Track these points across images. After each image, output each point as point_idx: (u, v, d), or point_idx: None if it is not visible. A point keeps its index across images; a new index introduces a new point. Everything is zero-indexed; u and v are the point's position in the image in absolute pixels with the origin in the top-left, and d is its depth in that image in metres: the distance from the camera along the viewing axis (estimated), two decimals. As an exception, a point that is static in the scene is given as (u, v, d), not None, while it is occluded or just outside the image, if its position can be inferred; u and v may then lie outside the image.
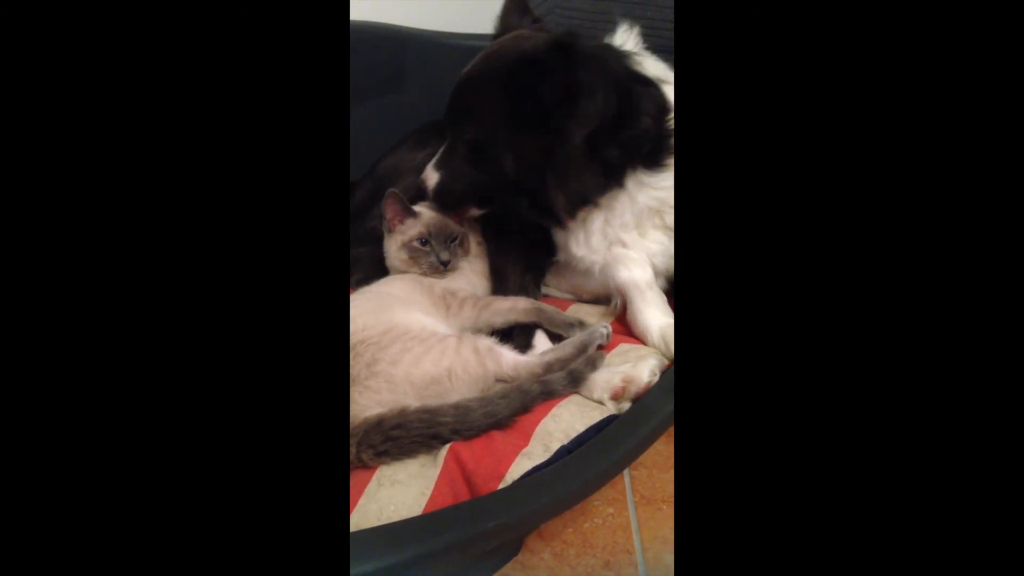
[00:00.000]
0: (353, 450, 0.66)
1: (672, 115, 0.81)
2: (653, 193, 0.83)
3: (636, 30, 0.91)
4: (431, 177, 0.91)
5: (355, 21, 1.12)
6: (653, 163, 0.81)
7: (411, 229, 0.91)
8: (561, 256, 0.93)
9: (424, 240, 0.90)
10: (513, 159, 0.80)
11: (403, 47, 1.18)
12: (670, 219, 0.86)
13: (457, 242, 0.92)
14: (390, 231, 0.93)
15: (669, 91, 0.83)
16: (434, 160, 0.91)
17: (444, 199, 0.91)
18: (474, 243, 0.98)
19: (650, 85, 0.81)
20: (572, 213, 0.82)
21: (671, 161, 0.81)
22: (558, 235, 0.91)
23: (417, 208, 0.93)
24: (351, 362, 0.72)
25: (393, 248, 0.92)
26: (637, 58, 0.85)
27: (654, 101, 0.80)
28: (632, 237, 0.87)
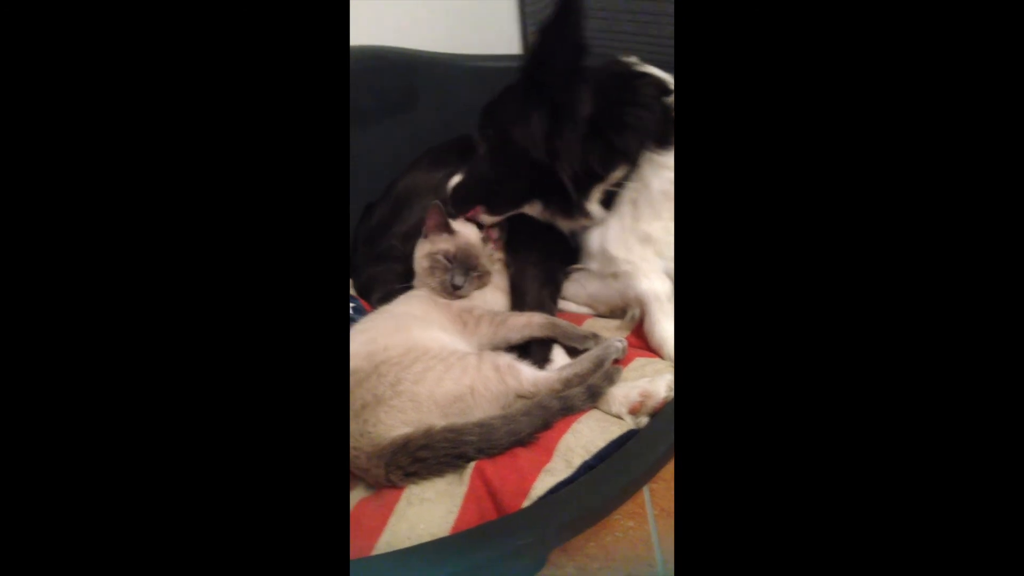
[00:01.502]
0: (382, 471, 0.68)
1: (671, 96, 0.87)
2: (667, 174, 0.86)
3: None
4: (454, 180, 0.96)
5: (369, 46, 1.15)
6: (664, 141, 0.86)
7: (442, 243, 0.94)
8: (594, 266, 0.96)
9: (449, 258, 0.92)
10: (528, 138, 0.85)
11: (416, 70, 1.21)
12: None
13: (476, 274, 0.94)
14: (425, 236, 0.96)
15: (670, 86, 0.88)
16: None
17: (459, 196, 0.95)
18: (496, 258, 1.01)
19: (646, 75, 0.88)
20: (582, 189, 0.86)
21: None
22: (591, 237, 0.94)
23: (457, 227, 0.96)
24: (375, 382, 0.74)
25: (420, 253, 0.96)
26: (637, 65, 0.91)
27: (652, 85, 0.87)
28: (655, 228, 0.89)
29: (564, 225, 0.94)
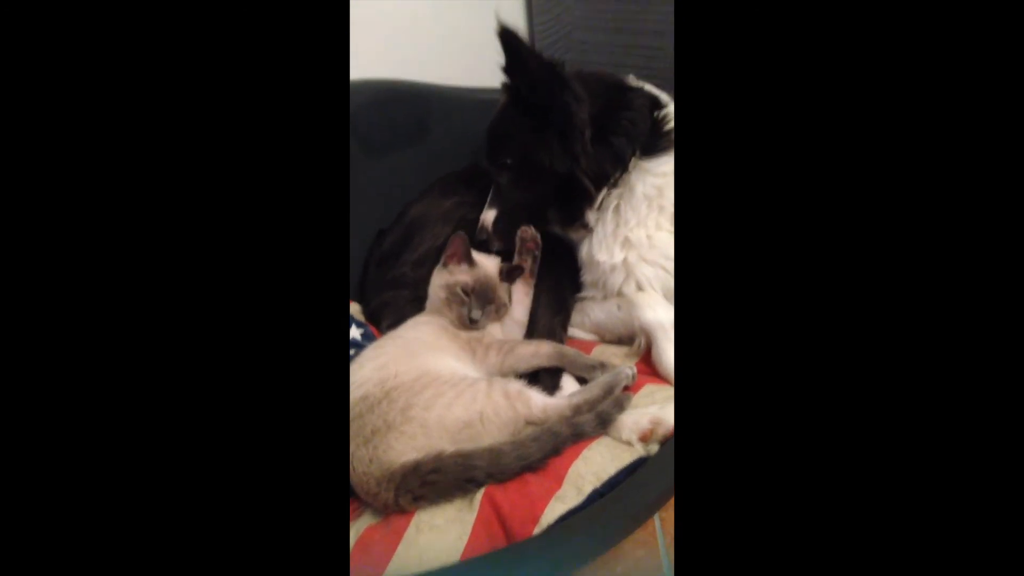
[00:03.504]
0: (391, 495, 0.67)
1: (664, 110, 0.91)
2: (652, 181, 0.90)
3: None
4: (488, 216, 0.97)
5: (382, 80, 1.18)
6: (651, 150, 0.90)
7: (460, 274, 0.93)
8: (587, 278, 0.98)
9: (467, 291, 0.92)
10: (551, 156, 0.89)
11: (426, 102, 1.24)
12: None
13: (493, 308, 0.93)
14: (444, 265, 0.96)
15: (672, 108, 0.92)
16: (487, 203, 0.98)
17: (502, 229, 0.98)
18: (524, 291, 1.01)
19: (640, 89, 0.93)
20: (596, 188, 0.91)
21: (668, 149, 0.90)
22: (582, 247, 0.96)
23: (477, 258, 0.95)
24: (386, 408, 0.75)
25: (438, 282, 0.95)
26: (632, 80, 0.96)
27: (644, 97, 0.93)
28: (637, 233, 0.91)
29: (570, 234, 0.98)
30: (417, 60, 1.29)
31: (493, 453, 0.69)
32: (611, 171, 0.90)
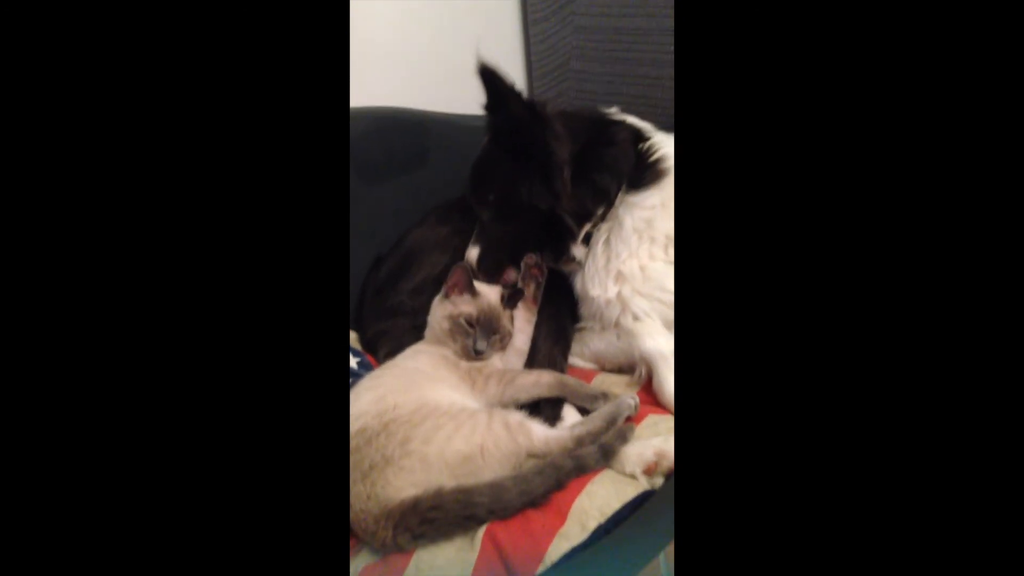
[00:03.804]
0: (389, 533, 0.65)
1: (648, 142, 0.92)
2: (640, 214, 0.89)
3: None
4: (472, 253, 0.97)
5: (381, 107, 1.19)
6: (637, 183, 0.90)
7: (464, 305, 0.92)
8: (583, 312, 0.97)
9: (471, 322, 0.90)
10: (533, 193, 0.89)
11: (425, 129, 1.24)
12: (673, 251, 0.89)
13: (499, 338, 0.92)
14: (446, 296, 0.94)
15: (655, 139, 0.93)
16: (471, 240, 0.98)
17: (487, 266, 0.97)
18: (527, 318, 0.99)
19: (622, 123, 0.93)
20: (578, 224, 0.90)
21: (655, 182, 0.90)
22: (576, 281, 0.96)
23: (480, 288, 0.94)
24: (384, 441, 0.73)
25: (440, 313, 0.93)
26: (615, 114, 0.96)
27: (627, 131, 0.92)
28: (629, 266, 0.90)
29: (560, 266, 0.96)
30: (416, 88, 1.29)
31: (495, 488, 0.67)
32: (593, 208, 0.90)
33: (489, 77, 0.85)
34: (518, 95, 0.87)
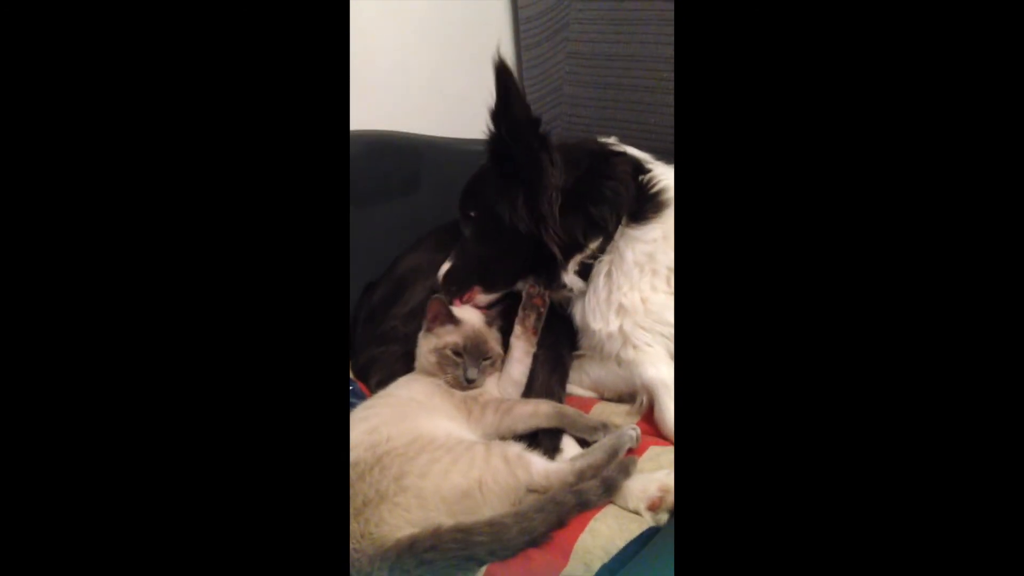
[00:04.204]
0: (384, 575, 0.62)
1: (648, 174, 0.90)
2: (642, 248, 0.88)
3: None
4: (443, 268, 0.95)
5: (373, 131, 1.18)
6: (639, 217, 0.88)
7: (448, 336, 0.89)
8: (583, 343, 0.94)
9: (457, 351, 0.88)
10: (513, 213, 0.87)
11: (419, 153, 1.23)
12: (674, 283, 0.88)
13: (489, 362, 0.90)
14: (428, 330, 0.92)
15: (656, 171, 0.92)
16: (451, 255, 0.96)
17: (451, 282, 0.95)
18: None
19: (623, 154, 0.92)
20: (567, 257, 0.87)
21: (656, 215, 0.88)
22: (575, 311, 0.93)
23: (460, 315, 0.92)
24: (378, 476, 0.70)
25: (426, 347, 0.91)
26: (614, 145, 0.95)
27: (627, 163, 0.91)
28: (631, 299, 0.88)
29: (553, 295, 0.93)
30: (409, 112, 1.29)
31: (495, 527, 0.65)
32: (585, 240, 0.88)
33: (503, 74, 0.82)
34: (525, 101, 0.85)
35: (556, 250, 0.86)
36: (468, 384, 0.87)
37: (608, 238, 0.89)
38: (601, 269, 0.90)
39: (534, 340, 0.91)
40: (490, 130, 0.90)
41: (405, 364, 0.94)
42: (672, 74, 1.26)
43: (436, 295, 0.90)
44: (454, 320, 0.90)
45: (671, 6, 1.25)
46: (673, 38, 1.25)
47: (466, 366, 0.87)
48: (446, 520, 0.66)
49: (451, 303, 0.94)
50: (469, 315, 0.93)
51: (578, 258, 0.89)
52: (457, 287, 0.95)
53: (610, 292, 0.89)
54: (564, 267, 0.88)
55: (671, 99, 1.27)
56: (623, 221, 0.88)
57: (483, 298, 0.95)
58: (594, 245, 0.88)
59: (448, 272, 0.95)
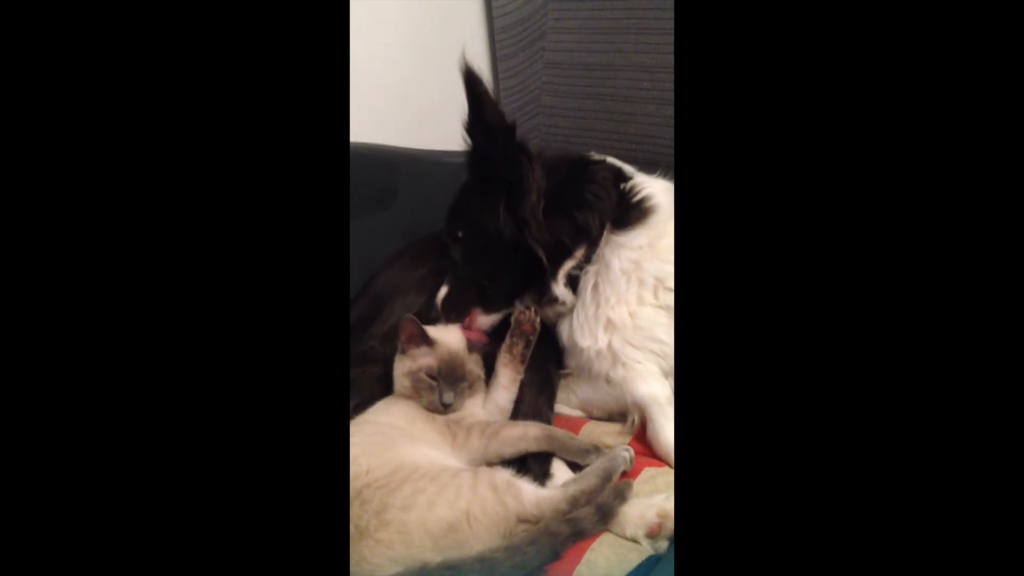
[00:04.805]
0: (367, 623, 0.57)
1: (630, 182, 0.89)
2: (628, 255, 0.85)
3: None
4: (440, 293, 0.92)
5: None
6: (622, 223, 0.86)
7: (423, 358, 0.84)
8: (571, 362, 0.91)
9: (432, 375, 0.83)
10: (497, 222, 0.85)
11: (394, 166, 1.19)
12: (663, 295, 0.85)
13: (467, 385, 0.85)
14: (403, 352, 0.87)
15: (638, 179, 0.91)
16: (445, 280, 0.93)
17: (450, 307, 0.91)
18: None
19: (603, 162, 0.91)
20: (555, 263, 0.85)
21: (640, 221, 0.86)
22: (562, 330, 0.90)
23: (436, 336, 0.87)
24: (358, 511, 0.65)
25: (400, 371, 0.86)
26: (594, 155, 0.94)
27: (607, 170, 0.89)
28: (619, 313, 0.85)
29: (546, 312, 0.90)
30: (383, 124, 1.25)
31: (485, 563, 0.61)
32: (572, 244, 0.85)
33: (473, 82, 0.80)
34: (498, 107, 0.83)
35: (541, 253, 0.83)
36: (445, 409, 0.82)
37: (593, 245, 0.86)
38: (588, 282, 0.86)
39: (521, 369, 0.86)
40: (467, 142, 0.87)
41: (384, 386, 0.89)
42: (652, 84, 1.25)
43: (408, 315, 0.86)
44: (429, 341, 0.85)
45: (651, 15, 1.24)
46: (652, 47, 1.24)
47: (441, 390, 0.82)
48: (433, 557, 0.62)
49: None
50: (446, 336, 0.88)
51: (567, 265, 0.86)
52: (456, 312, 0.91)
53: (598, 306, 0.86)
54: (554, 276, 0.85)
55: (651, 109, 1.26)
56: (608, 228, 0.86)
57: (485, 320, 0.91)
58: (580, 252, 0.86)
59: (445, 298, 0.92)
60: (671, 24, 1.21)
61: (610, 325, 0.85)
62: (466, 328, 0.90)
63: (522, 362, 0.87)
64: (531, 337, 0.86)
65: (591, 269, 0.86)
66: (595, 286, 0.86)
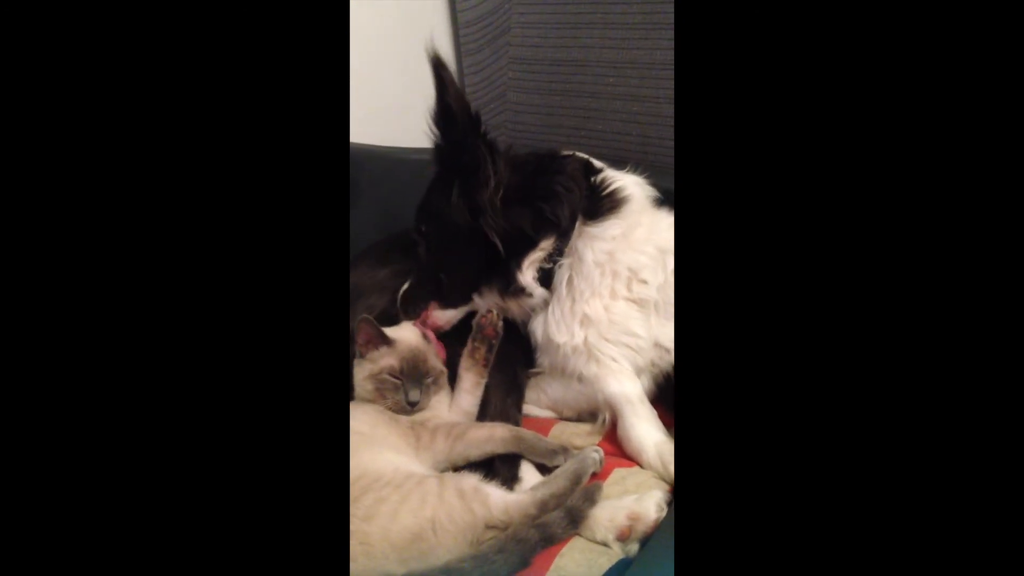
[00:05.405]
0: (327, 642, 0.54)
1: (600, 174, 0.88)
2: (601, 246, 0.84)
3: None
4: (403, 288, 0.90)
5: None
6: (594, 214, 0.84)
7: (383, 359, 0.82)
8: (543, 360, 0.89)
9: (395, 374, 0.81)
10: (453, 209, 0.83)
11: (357, 164, 1.15)
12: (636, 288, 0.84)
13: (431, 380, 0.83)
14: (360, 356, 0.84)
15: (608, 172, 0.89)
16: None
17: (407, 301, 0.90)
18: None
19: (572, 155, 0.89)
20: (514, 253, 0.83)
21: (613, 211, 0.85)
22: (536, 327, 0.88)
23: (393, 334, 0.84)
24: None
25: (360, 376, 0.83)
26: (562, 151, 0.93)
27: (577, 163, 0.88)
28: (594, 307, 0.84)
29: (512, 308, 0.87)
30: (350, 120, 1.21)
31: (452, 574, 0.58)
32: (533, 233, 0.83)
33: (439, 67, 0.79)
34: (463, 95, 0.81)
35: (496, 239, 0.81)
36: (411, 408, 0.80)
37: (565, 237, 0.84)
38: (563, 276, 0.84)
39: (485, 372, 0.84)
40: (434, 134, 0.84)
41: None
42: (618, 80, 1.24)
43: (364, 317, 0.83)
44: (388, 341, 0.83)
45: (616, 10, 1.22)
46: (617, 42, 1.23)
47: (407, 389, 0.79)
48: (396, 569, 0.60)
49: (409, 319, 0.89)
50: (403, 333, 0.86)
51: (532, 256, 0.83)
52: (414, 307, 0.89)
53: (573, 301, 0.84)
54: (518, 266, 0.83)
55: (617, 105, 1.25)
56: (580, 220, 0.84)
57: (442, 315, 0.88)
58: (547, 243, 0.83)
59: (404, 292, 0.90)
60: (636, 20, 1.20)
61: (586, 320, 0.84)
62: (420, 323, 0.88)
63: (485, 366, 0.84)
64: (493, 341, 0.84)
65: (565, 263, 0.84)
66: (569, 280, 0.85)
